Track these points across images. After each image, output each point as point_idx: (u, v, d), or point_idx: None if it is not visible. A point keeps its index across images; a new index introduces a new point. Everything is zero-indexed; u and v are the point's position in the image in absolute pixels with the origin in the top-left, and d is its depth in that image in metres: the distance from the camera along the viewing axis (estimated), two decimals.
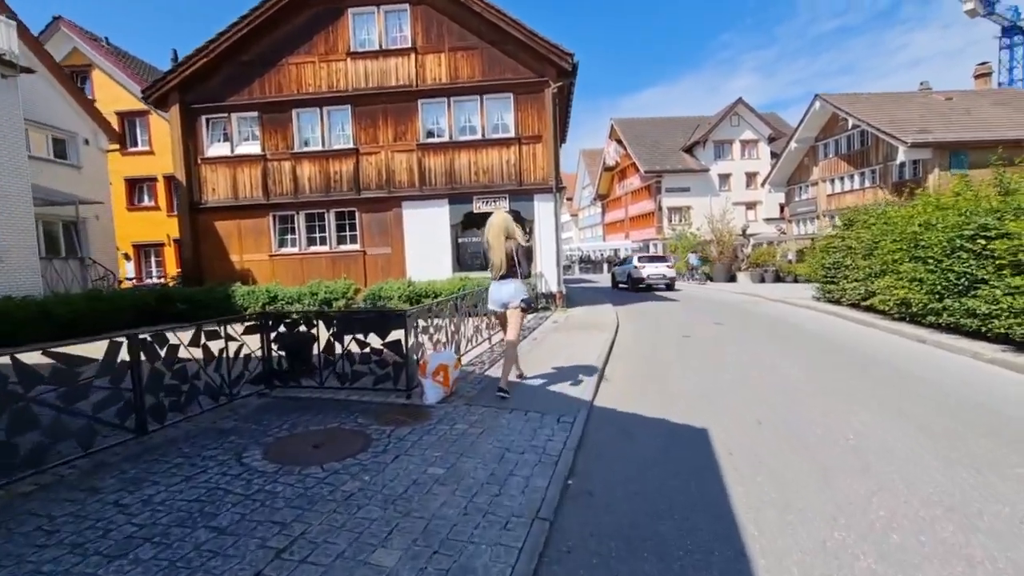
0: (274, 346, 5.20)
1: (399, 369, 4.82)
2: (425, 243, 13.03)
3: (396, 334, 4.83)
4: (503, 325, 5.22)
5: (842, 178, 29.08)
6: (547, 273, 12.71)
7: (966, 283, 7.10)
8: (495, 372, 5.93)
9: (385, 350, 4.85)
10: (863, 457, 3.52)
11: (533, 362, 6.45)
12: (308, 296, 12.05)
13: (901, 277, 8.71)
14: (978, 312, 6.84)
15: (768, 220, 38.67)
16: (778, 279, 23.01)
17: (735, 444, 3.82)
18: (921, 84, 29.92)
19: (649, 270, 20.13)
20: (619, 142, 44.75)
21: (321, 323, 5.14)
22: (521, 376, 5.56)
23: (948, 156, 22.99)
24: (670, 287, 20.37)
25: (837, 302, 11.81)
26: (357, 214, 13.26)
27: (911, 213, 9.27)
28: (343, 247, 13.47)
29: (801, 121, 30.25)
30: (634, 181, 44.00)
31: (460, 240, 13.37)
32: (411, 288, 11.82)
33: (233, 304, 12.17)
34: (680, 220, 35.17)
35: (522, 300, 4.90)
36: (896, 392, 5.07)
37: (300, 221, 13.43)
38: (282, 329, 5.19)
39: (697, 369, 6.26)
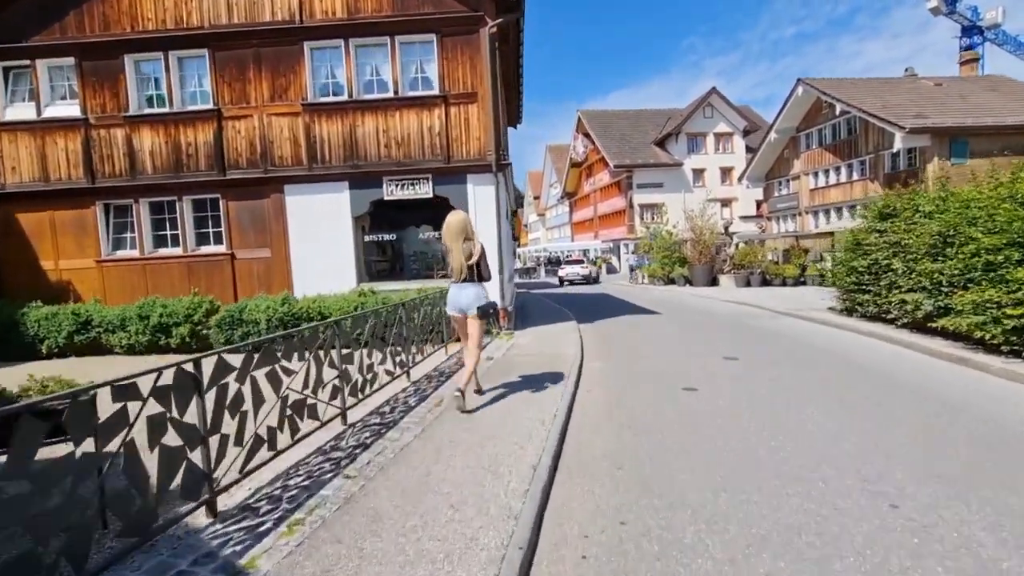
0: None
1: None
2: (318, 243, 9.38)
3: None
4: (461, 332, 4.81)
5: (827, 171, 26.69)
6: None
7: None
8: (280, 545, 2.41)
9: None
10: None
11: (401, 488, 2.96)
12: (136, 321, 8.25)
13: (1014, 288, 5.61)
14: None
15: (745, 218, 36.33)
16: (765, 282, 20.28)
17: None
18: (906, 70, 27.86)
19: (568, 270, 28.36)
20: (587, 136, 41.80)
21: None
22: (479, 391, 5.07)
23: (948, 144, 20.65)
24: (586, 281, 27.82)
25: (878, 318, 8.74)
26: (222, 203, 9.50)
27: (1014, 191, 6.21)
28: (204, 249, 9.67)
29: (781, 109, 27.80)
30: (603, 177, 41.10)
31: (367, 238, 9.77)
32: (287, 307, 8.18)
33: (22, 334, 8.27)
34: (653, 218, 32.33)
35: (478, 308, 4.50)
36: None
37: (142, 213, 9.57)
38: None
39: (749, 515, 2.87)
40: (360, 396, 4.52)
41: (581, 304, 15.45)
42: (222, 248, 9.54)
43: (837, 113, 24.28)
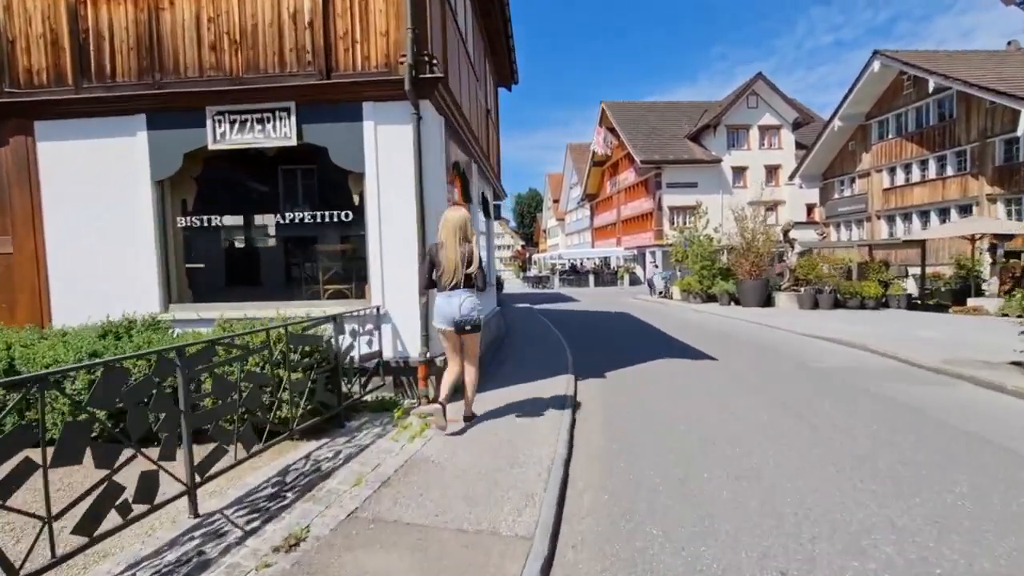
0: None
1: None
2: (96, 227, 5.10)
3: None
4: (453, 349, 4.14)
5: (908, 165, 21.53)
6: (395, 308, 4.78)
7: None
8: None
9: None
10: None
11: None
12: None
13: None
14: None
15: (795, 224, 31.08)
16: (837, 303, 15.37)
17: None
18: (1009, 43, 22.53)
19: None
20: (611, 130, 37.18)
21: None
22: (469, 416, 4.24)
23: None
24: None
25: None
26: None
27: None
28: None
29: (849, 91, 22.75)
30: (628, 176, 36.37)
31: (188, 222, 5.42)
32: None
33: None
34: (686, 221, 27.46)
35: (455, 322, 3.93)
36: None
37: None
38: None
39: None
40: None
41: (591, 332, 10.84)
42: None
43: (930, 91, 19.11)
